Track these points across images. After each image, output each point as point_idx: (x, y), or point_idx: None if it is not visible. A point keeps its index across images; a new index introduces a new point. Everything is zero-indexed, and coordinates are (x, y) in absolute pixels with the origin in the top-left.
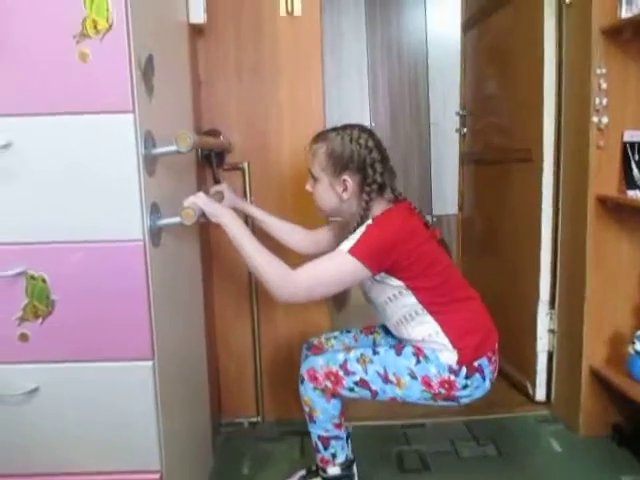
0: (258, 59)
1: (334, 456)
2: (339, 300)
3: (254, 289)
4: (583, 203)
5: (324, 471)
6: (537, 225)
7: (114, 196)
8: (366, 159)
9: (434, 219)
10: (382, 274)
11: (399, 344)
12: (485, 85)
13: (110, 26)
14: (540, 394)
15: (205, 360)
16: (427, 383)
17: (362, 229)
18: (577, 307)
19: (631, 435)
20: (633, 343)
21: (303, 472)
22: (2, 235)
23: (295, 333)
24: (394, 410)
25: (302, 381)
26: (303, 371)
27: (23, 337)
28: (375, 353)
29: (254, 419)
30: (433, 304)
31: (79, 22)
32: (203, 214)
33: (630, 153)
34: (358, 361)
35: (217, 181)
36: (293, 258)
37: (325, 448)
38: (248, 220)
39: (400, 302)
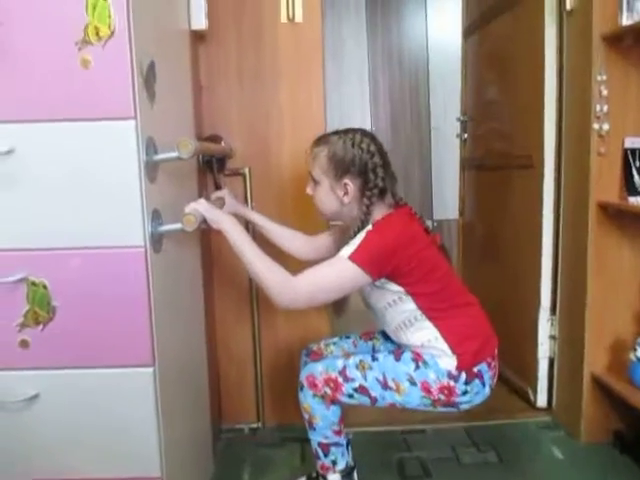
0: (259, 65)
1: (334, 463)
2: (338, 305)
3: (255, 295)
4: (584, 209)
5: (324, 478)
6: (538, 231)
7: (115, 202)
8: (368, 163)
9: (435, 224)
10: (382, 280)
11: (398, 350)
12: (486, 91)
13: (112, 33)
14: (541, 400)
15: (206, 366)
16: (426, 389)
17: (362, 235)
18: (578, 313)
19: (633, 442)
20: (634, 350)
21: (304, 479)
22: (3, 241)
23: (295, 339)
24: (394, 416)
25: (301, 388)
26: (302, 378)
27: (24, 343)
28: (374, 359)
29: (255, 425)
30: (432, 310)
31: (81, 29)
32: (204, 220)
33: (631, 160)
34: (357, 367)
35: (218, 187)
36: (293, 264)
37: (325, 455)
38: (249, 226)
39: (400, 308)
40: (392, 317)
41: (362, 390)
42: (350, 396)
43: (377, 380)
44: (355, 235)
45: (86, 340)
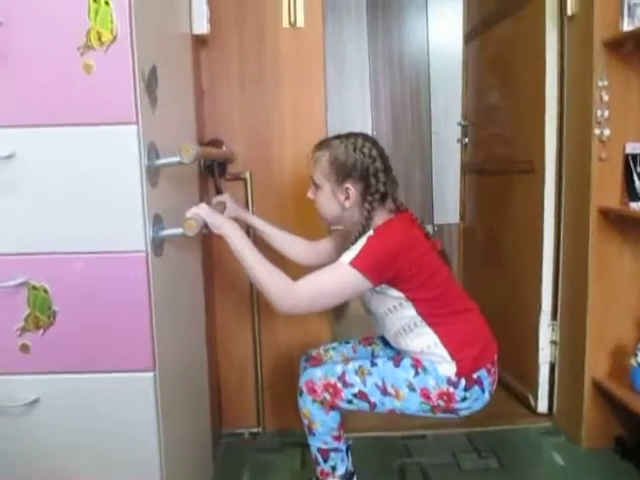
0: (260, 69)
1: (334, 469)
2: (338, 310)
3: (255, 299)
4: (585, 215)
5: None
6: (539, 236)
7: (117, 207)
8: (369, 168)
9: (435, 228)
10: (382, 285)
11: (397, 356)
12: (487, 96)
13: (114, 38)
14: (542, 406)
15: (206, 370)
16: (426, 395)
17: (363, 240)
18: (579, 318)
19: (634, 448)
20: (636, 355)
21: None
22: (4, 245)
23: (296, 343)
24: (395, 421)
25: (301, 393)
26: (302, 383)
27: (24, 348)
28: (373, 365)
29: (255, 429)
30: (432, 316)
31: (83, 34)
32: (205, 225)
33: (632, 165)
34: (356, 373)
35: (219, 191)
36: (294, 269)
37: (325, 461)
38: (250, 231)
39: (400, 313)
40: (392, 323)
41: (361, 396)
42: (349, 402)
43: (376, 386)
44: (356, 240)
45: (87, 345)
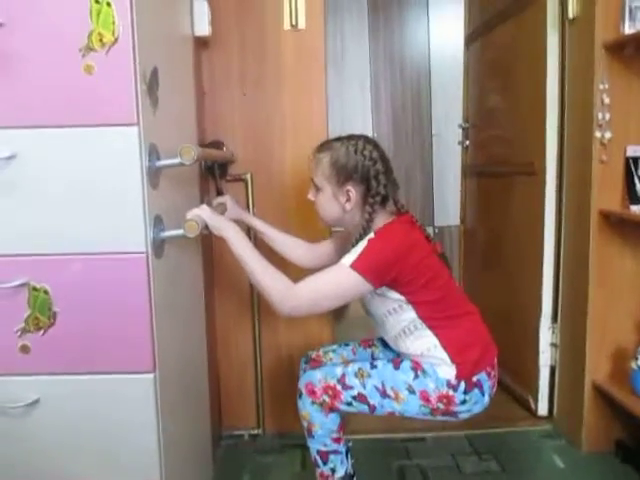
0: (262, 71)
1: (333, 471)
2: (339, 311)
3: (256, 301)
4: (586, 217)
5: None
6: (540, 238)
7: (117, 208)
8: (370, 170)
9: (436, 230)
10: (383, 287)
11: (397, 358)
12: (488, 98)
13: (116, 39)
14: (542, 408)
15: (206, 372)
16: (425, 398)
17: (364, 243)
18: (580, 321)
19: (634, 451)
20: (636, 358)
21: None
22: (5, 246)
23: (296, 345)
24: (395, 423)
25: (300, 395)
26: (301, 385)
27: (24, 349)
28: (373, 367)
29: (255, 431)
30: (432, 319)
31: (85, 35)
32: (206, 226)
33: (633, 168)
34: (356, 375)
35: (220, 192)
36: (295, 272)
37: (324, 463)
38: (250, 232)
39: (400, 316)
40: (392, 325)
41: (361, 398)
42: (349, 404)
43: (376, 388)
44: (357, 243)
45: (87, 346)
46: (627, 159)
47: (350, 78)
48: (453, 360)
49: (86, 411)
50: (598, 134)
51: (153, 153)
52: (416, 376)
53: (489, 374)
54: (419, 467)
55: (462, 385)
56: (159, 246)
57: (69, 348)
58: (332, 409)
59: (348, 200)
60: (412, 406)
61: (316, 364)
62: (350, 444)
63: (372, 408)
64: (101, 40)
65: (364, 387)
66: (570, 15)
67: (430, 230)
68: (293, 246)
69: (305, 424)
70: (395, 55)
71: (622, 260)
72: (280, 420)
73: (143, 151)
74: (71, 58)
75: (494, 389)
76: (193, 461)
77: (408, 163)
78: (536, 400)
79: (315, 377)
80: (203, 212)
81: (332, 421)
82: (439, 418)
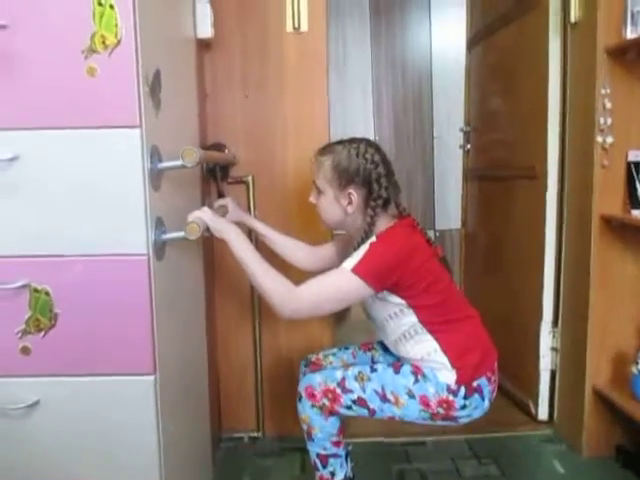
0: (264, 73)
1: (333, 474)
2: (339, 315)
3: (256, 303)
4: (587, 222)
5: None
6: (541, 243)
7: (119, 210)
8: (372, 173)
9: (437, 234)
10: (384, 291)
11: (397, 362)
12: (489, 102)
13: (119, 41)
14: (542, 413)
15: (206, 374)
16: (425, 403)
17: (366, 246)
18: (580, 326)
19: (635, 457)
20: (637, 363)
21: None
22: (6, 248)
23: (297, 348)
24: (394, 427)
25: (300, 399)
26: (301, 388)
27: (25, 350)
28: (373, 371)
29: (254, 434)
30: (433, 323)
31: (88, 37)
32: (207, 229)
33: (635, 173)
34: (356, 379)
35: (221, 195)
36: (296, 274)
37: (324, 466)
38: (252, 234)
39: (400, 320)
40: (392, 329)
41: (360, 402)
42: (348, 407)
43: (376, 392)
44: (358, 246)
45: (87, 347)
46: (628, 164)
47: (352, 82)
48: (453, 365)
49: (86, 412)
50: (600, 139)
51: (155, 155)
52: (416, 380)
53: (489, 379)
54: (419, 471)
55: (462, 390)
56: (160, 248)
57: (70, 350)
58: (332, 412)
59: (350, 203)
60: (412, 411)
61: (316, 367)
62: (350, 448)
63: (372, 412)
64: (104, 42)
65: (364, 391)
66: (572, 19)
67: (431, 233)
68: (294, 249)
69: (305, 427)
70: (397, 59)
71: (623, 265)
72: (280, 423)
73: (145, 153)
74: (74, 60)
75: (494, 394)
76: (193, 463)
77: (409, 166)
78: (536, 404)
79: (315, 380)
80: (204, 214)
81: (332, 425)
82: (439, 423)
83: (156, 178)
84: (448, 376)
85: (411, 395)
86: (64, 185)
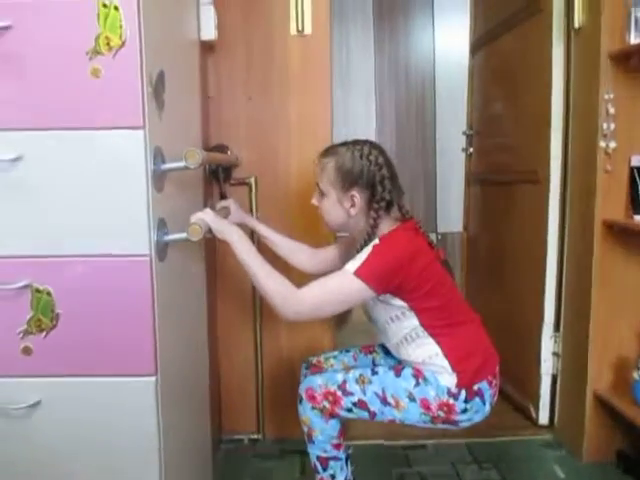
0: (267, 75)
1: (333, 477)
2: (341, 317)
3: (258, 305)
4: (589, 227)
5: None
6: (543, 247)
7: (122, 211)
8: (376, 176)
9: (439, 237)
10: (386, 294)
11: (398, 365)
12: (492, 106)
13: (123, 43)
14: (543, 418)
15: (207, 375)
16: (426, 406)
17: (369, 249)
18: (582, 331)
19: (636, 462)
20: (638, 369)
21: None
22: (9, 248)
23: (298, 350)
24: (395, 431)
25: (301, 400)
26: (302, 390)
27: (26, 350)
28: (374, 373)
29: (255, 436)
30: (434, 326)
31: (92, 39)
32: (210, 230)
33: (637, 178)
34: (357, 382)
35: (223, 196)
36: (299, 277)
37: (324, 469)
38: (254, 236)
39: (402, 323)
40: (394, 332)
41: (361, 404)
42: (349, 410)
43: (376, 395)
44: (361, 249)
45: (89, 348)
46: (631, 169)
47: (355, 86)
48: (454, 368)
49: (87, 413)
50: (603, 144)
51: (158, 156)
52: (417, 384)
53: (490, 383)
54: (419, 475)
55: (463, 393)
56: (162, 249)
57: (71, 350)
58: (332, 415)
59: (353, 205)
60: (412, 414)
61: (317, 370)
62: (350, 451)
63: (372, 415)
64: (108, 44)
65: (364, 393)
66: (576, 25)
67: (433, 236)
68: (296, 251)
69: (305, 429)
70: (400, 63)
71: (625, 270)
72: (280, 425)
73: (148, 154)
74: (78, 61)
75: (495, 398)
76: (193, 464)
77: (412, 169)
78: (537, 409)
79: (316, 382)
80: (207, 216)
81: (332, 427)
82: (440, 426)
83: (159, 179)
84: (449, 379)
85: (412, 398)
86: (67, 186)
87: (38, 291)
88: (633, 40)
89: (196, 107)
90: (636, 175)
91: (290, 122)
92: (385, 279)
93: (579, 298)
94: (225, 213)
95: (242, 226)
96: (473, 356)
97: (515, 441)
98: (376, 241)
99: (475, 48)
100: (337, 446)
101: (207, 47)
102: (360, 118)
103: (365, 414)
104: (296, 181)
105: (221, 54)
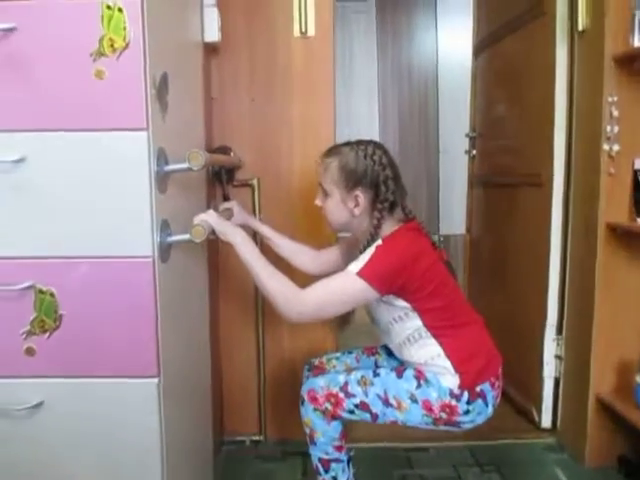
0: (270, 77)
1: (335, 479)
2: (343, 318)
3: (260, 307)
4: (593, 230)
5: None
6: (546, 250)
7: (125, 212)
8: (379, 175)
9: (441, 238)
10: (389, 295)
11: (400, 367)
12: (495, 108)
13: (127, 45)
14: (545, 421)
15: (209, 376)
16: (428, 407)
17: (372, 250)
18: (585, 334)
19: (637, 467)
20: None
21: None
22: (12, 249)
23: (300, 352)
24: (397, 433)
25: (303, 402)
26: (304, 392)
27: (29, 351)
28: (376, 375)
29: (256, 437)
30: (437, 327)
31: (96, 40)
32: (213, 231)
33: None
34: (359, 383)
35: (226, 198)
36: (302, 278)
37: (326, 471)
38: (256, 237)
39: (405, 324)
40: (397, 333)
41: (363, 406)
42: (351, 412)
43: (378, 396)
44: (364, 249)
45: (92, 349)
46: (635, 172)
47: (358, 88)
48: (457, 369)
49: (90, 414)
50: (606, 146)
51: (161, 158)
52: (419, 385)
53: (493, 384)
54: (421, 477)
55: (465, 395)
56: (165, 251)
57: (74, 351)
58: (334, 417)
59: (356, 205)
60: (414, 415)
61: (319, 371)
62: (352, 453)
63: (374, 416)
64: (112, 45)
65: (366, 395)
66: (579, 27)
67: (435, 238)
68: (299, 252)
69: (307, 431)
70: (403, 64)
71: (628, 273)
72: (282, 427)
73: (152, 156)
74: (82, 63)
75: (498, 400)
76: (194, 466)
77: (414, 171)
78: (539, 412)
79: (318, 384)
80: (210, 217)
81: (334, 429)
82: (442, 428)
83: (162, 181)
84: (451, 381)
85: (414, 399)
86: (70, 187)
87: (41, 292)
88: (637, 43)
89: (199, 109)
90: (639, 178)
91: (293, 123)
92: (388, 280)
93: (582, 301)
94: (228, 215)
95: (245, 228)
96: (476, 357)
97: (517, 444)
98: (379, 242)
99: (478, 50)
100: (339, 448)
101: (210, 49)
102: (363, 120)
103: (367, 416)
104: (299, 182)
105: (224, 56)
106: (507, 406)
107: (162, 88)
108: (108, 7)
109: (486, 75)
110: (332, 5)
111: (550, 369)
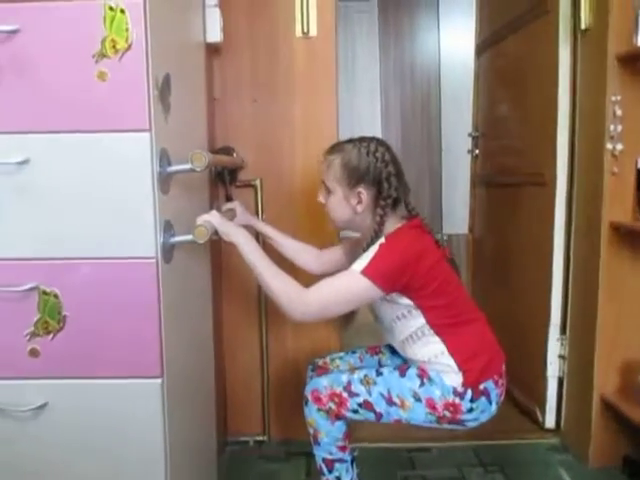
0: (273, 77)
1: (338, 479)
2: (346, 317)
3: (263, 307)
4: (596, 229)
5: None
6: (549, 249)
7: (128, 213)
8: (382, 172)
9: (444, 237)
10: (393, 293)
11: (403, 365)
12: (498, 108)
13: (129, 46)
14: (549, 421)
15: (213, 377)
16: (431, 406)
17: (375, 248)
18: (589, 333)
19: None
20: None
21: None
22: (15, 250)
23: (303, 351)
24: (400, 433)
25: (306, 402)
26: (307, 392)
27: (33, 352)
28: (379, 374)
29: (260, 438)
30: (441, 325)
31: (98, 42)
32: (215, 232)
33: None
34: (362, 382)
35: (229, 198)
36: (305, 278)
37: (329, 471)
38: (259, 238)
39: (408, 322)
40: (400, 331)
41: (367, 405)
42: (355, 411)
43: (382, 395)
44: (368, 248)
45: (95, 350)
46: (638, 171)
47: (361, 87)
48: (460, 367)
49: (93, 415)
50: (609, 146)
51: (164, 159)
52: (422, 384)
53: (496, 382)
54: (424, 478)
55: (469, 393)
56: (168, 251)
57: (78, 352)
58: (338, 416)
59: (359, 202)
60: (418, 414)
61: (323, 371)
62: (356, 453)
63: (378, 416)
64: (114, 47)
65: (370, 394)
66: (582, 26)
67: (439, 237)
68: (302, 252)
69: (311, 431)
70: (405, 64)
71: (632, 272)
72: (286, 427)
73: (154, 157)
74: (84, 64)
75: (502, 397)
76: (198, 466)
77: (417, 170)
78: (543, 412)
79: (321, 384)
80: (213, 218)
81: (338, 429)
82: (446, 426)
83: (165, 182)
84: (454, 379)
85: (417, 398)
86: (73, 188)
87: (45, 293)
88: None
89: (202, 109)
90: None
91: (296, 124)
92: (392, 278)
93: (585, 300)
94: (231, 215)
95: (248, 228)
96: (479, 355)
97: (521, 444)
98: (382, 240)
99: (480, 50)
100: (342, 448)
101: (213, 49)
102: (365, 120)
103: (371, 415)
104: (301, 183)
105: (227, 56)
106: (511, 406)
107: (164, 89)
108: (110, 8)
109: (489, 74)
110: (334, 5)
111: (554, 369)
